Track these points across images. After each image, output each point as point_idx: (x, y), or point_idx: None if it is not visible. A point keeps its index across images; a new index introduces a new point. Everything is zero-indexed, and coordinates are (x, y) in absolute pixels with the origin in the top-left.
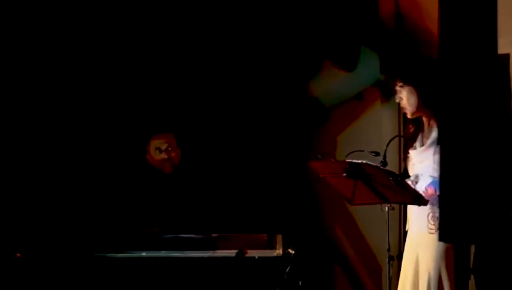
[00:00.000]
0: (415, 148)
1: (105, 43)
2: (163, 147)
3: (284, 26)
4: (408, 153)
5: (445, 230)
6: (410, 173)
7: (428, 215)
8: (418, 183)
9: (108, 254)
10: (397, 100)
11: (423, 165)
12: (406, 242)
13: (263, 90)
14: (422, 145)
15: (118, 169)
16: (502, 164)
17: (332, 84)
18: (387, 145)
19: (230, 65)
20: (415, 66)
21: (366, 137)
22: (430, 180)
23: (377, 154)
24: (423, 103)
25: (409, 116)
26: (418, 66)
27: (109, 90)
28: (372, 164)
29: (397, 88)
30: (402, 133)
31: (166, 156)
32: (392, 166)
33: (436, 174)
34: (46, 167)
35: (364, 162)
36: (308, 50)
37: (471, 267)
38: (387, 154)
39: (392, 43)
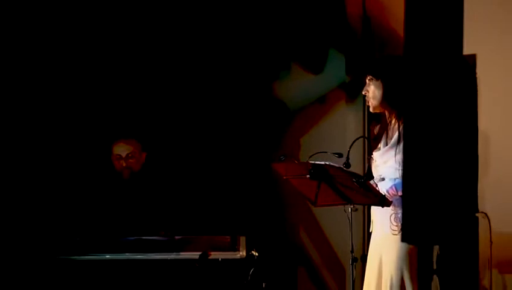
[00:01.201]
0: (379, 150)
1: (70, 48)
2: (124, 154)
3: (249, 28)
4: (372, 153)
5: (408, 231)
6: (374, 174)
7: (391, 217)
8: (380, 185)
9: (72, 257)
10: (363, 92)
11: (387, 166)
12: (370, 244)
13: (227, 92)
14: (386, 145)
15: (81, 172)
16: (466, 165)
17: (298, 86)
18: (351, 147)
19: (194, 67)
20: (384, 62)
21: (330, 138)
22: (391, 182)
23: (340, 155)
24: (388, 101)
25: (371, 110)
26: (387, 62)
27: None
28: (336, 165)
29: (367, 80)
30: (366, 135)
31: (124, 164)
32: (356, 167)
33: (397, 175)
34: (11, 170)
35: (327, 163)
36: (274, 52)
37: (434, 268)
38: (351, 155)
39: (358, 45)
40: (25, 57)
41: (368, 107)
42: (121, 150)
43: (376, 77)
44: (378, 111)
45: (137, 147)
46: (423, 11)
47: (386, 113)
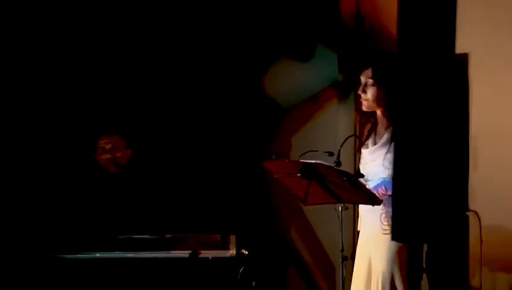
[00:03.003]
0: (367, 147)
1: (57, 43)
2: (108, 147)
3: (240, 23)
4: (360, 151)
5: (398, 229)
6: (362, 171)
7: (381, 216)
8: (369, 184)
9: (63, 255)
10: (360, 91)
11: (374, 164)
12: (358, 242)
13: (217, 89)
14: (375, 144)
15: (70, 170)
16: (457, 163)
17: (290, 83)
18: (342, 145)
19: (184, 63)
20: (387, 64)
21: (322, 137)
22: (379, 182)
23: (331, 154)
24: (385, 102)
25: (364, 108)
26: (389, 64)
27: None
28: (326, 164)
29: (364, 80)
30: (357, 133)
31: (110, 156)
32: (347, 166)
33: (386, 174)
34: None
35: (318, 162)
36: (265, 48)
37: (424, 266)
38: (341, 154)
39: (351, 43)
40: (9, 54)
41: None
42: (105, 142)
43: (379, 82)
44: (370, 110)
45: (121, 142)
46: (416, 9)
47: (378, 112)
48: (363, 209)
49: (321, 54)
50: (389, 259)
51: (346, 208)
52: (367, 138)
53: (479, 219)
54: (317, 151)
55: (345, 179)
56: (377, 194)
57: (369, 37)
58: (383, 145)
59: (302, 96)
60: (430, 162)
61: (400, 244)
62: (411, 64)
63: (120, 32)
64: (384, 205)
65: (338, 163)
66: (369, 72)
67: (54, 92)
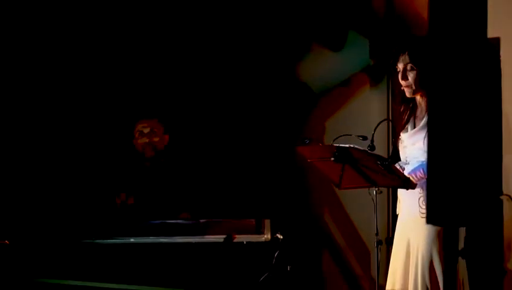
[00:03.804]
0: (407, 131)
1: (93, 32)
2: (146, 131)
3: (271, 10)
4: (399, 135)
5: (433, 213)
6: (401, 155)
7: (419, 199)
8: (407, 167)
9: (96, 240)
10: (401, 78)
11: (415, 148)
12: (397, 226)
13: (251, 75)
14: (415, 127)
15: (105, 154)
16: (490, 147)
17: (322, 69)
18: (375, 130)
19: (218, 51)
20: (423, 48)
21: (355, 122)
22: (418, 164)
23: (364, 138)
24: (424, 85)
25: (408, 95)
26: (424, 46)
27: (99, 78)
28: (360, 148)
29: (402, 66)
30: (390, 118)
31: (147, 140)
32: (380, 150)
33: (425, 157)
34: (32, 154)
35: (352, 146)
36: (296, 34)
37: (460, 250)
38: (375, 138)
39: (382, 28)
40: (45, 39)
41: (393, 90)
42: (143, 126)
43: (417, 65)
44: (413, 96)
45: (160, 127)
46: None
47: (418, 97)
48: (402, 192)
49: (353, 40)
50: (427, 242)
51: (381, 192)
52: (407, 122)
53: None
54: (350, 135)
55: (379, 162)
56: (415, 178)
57: (401, 22)
58: (423, 128)
59: (334, 81)
60: (463, 145)
61: (438, 227)
62: (443, 48)
63: (156, 20)
64: (422, 188)
65: (372, 147)
66: (406, 57)
67: (93, 75)
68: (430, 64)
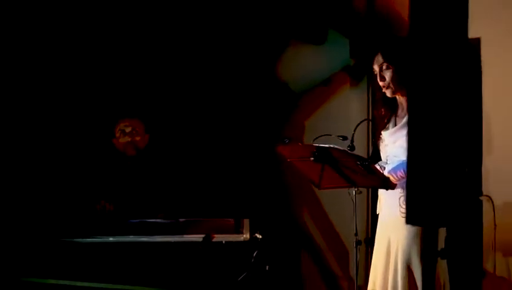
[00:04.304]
0: (388, 129)
1: (74, 31)
2: (128, 130)
3: (251, 9)
4: (380, 134)
5: (412, 213)
6: (382, 154)
7: (399, 199)
8: (387, 167)
9: (75, 239)
10: (379, 79)
11: (396, 146)
12: (378, 226)
13: (230, 74)
14: (395, 125)
15: (84, 152)
16: (470, 147)
17: (302, 68)
18: (355, 130)
19: (198, 50)
20: (397, 46)
21: (335, 121)
22: (398, 163)
23: (344, 138)
24: (403, 84)
25: (389, 95)
26: (399, 46)
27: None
28: (340, 148)
29: (379, 67)
30: (370, 118)
31: (129, 139)
32: (360, 150)
33: (406, 156)
34: (10, 152)
35: (331, 146)
36: (276, 32)
37: (440, 250)
38: (355, 138)
39: (363, 27)
40: (26, 40)
41: (373, 89)
42: (125, 125)
43: (392, 63)
44: (394, 96)
45: (141, 126)
46: None
47: (399, 96)
48: (382, 192)
49: (333, 39)
50: (407, 242)
51: (360, 192)
52: (388, 121)
53: (492, 203)
54: (330, 135)
55: (359, 163)
56: (395, 177)
57: (381, 22)
58: (404, 125)
59: (314, 80)
60: (443, 145)
61: (419, 228)
62: (423, 48)
63: (138, 21)
64: (402, 188)
65: (352, 147)
66: (379, 57)
67: (72, 76)
68: (406, 61)
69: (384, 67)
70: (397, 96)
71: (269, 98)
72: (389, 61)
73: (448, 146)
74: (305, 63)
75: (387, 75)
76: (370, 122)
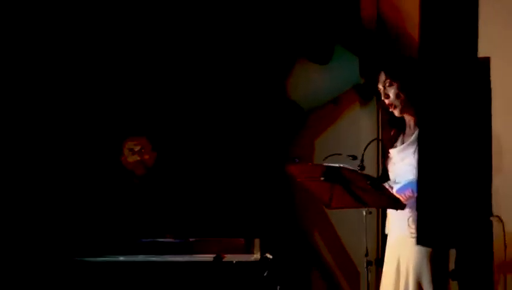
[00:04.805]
0: (396, 147)
1: (82, 45)
2: (136, 149)
3: (261, 27)
4: (388, 152)
5: (423, 234)
6: (390, 174)
7: (408, 219)
8: (395, 187)
9: (86, 258)
10: (383, 97)
11: (404, 164)
12: (387, 246)
13: (240, 93)
14: (403, 143)
15: (93, 172)
16: (480, 168)
17: (312, 87)
18: (365, 149)
19: (207, 68)
20: (399, 64)
21: (344, 141)
22: (407, 184)
23: (354, 158)
24: (410, 102)
25: (397, 114)
26: (402, 64)
27: (86, 92)
28: (350, 167)
29: (383, 85)
30: (380, 137)
31: (139, 158)
32: (370, 170)
33: (414, 173)
34: (21, 170)
35: (342, 165)
36: (287, 52)
37: (450, 271)
38: (365, 158)
39: (372, 47)
40: (33, 55)
41: (383, 109)
42: (134, 143)
43: (394, 79)
44: (402, 115)
45: (148, 145)
46: (438, 13)
47: (406, 116)
48: (391, 212)
49: (342, 57)
50: (417, 262)
51: (370, 212)
52: (396, 140)
53: (502, 224)
54: (340, 154)
55: (369, 182)
56: (404, 197)
57: (391, 41)
58: (412, 143)
59: (323, 99)
60: (453, 166)
61: (428, 248)
62: (433, 67)
63: (145, 36)
64: (411, 208)
65: (362, 167)
66: (382, 75)
67: (79, 93)
68: (411, 78)
69: (387, 84)
70: (405, 116)
71: (279, 116)
72: (392, 77)
73: (458, 167)
74: (314, 82)
75: (391, 92)
76: (380, 142)
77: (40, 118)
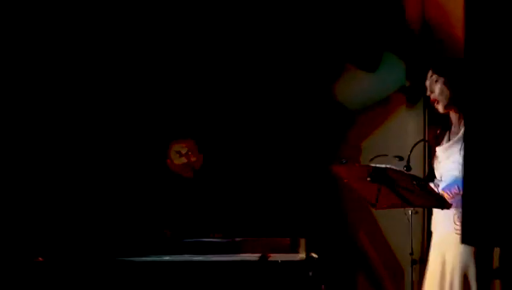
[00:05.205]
0: (442, 145)
1: (127, 48)
2: (184, 151)
3: (309, 31)
4: (435, 151)
5: (468, 232)
6: (436, 172)
7: (454, 216)
8: (441, 184)
9: (130, 258)
10: (428, 93)
11: (450, 162)
12: (432, 244)
13: (287, 94)
14: (449, 140)
15: (139, 173)
16: None
17: (358, 89)
18: (412, 150)
19: (254, 70)
20: (445, 61)
21: (391, 142)
22: (452, 180)
23: (401, 159)
24: (455, 99)
25: (440, 110)
26: (448, 62)
27: (131, 95)
28: (396, 168)
29: (429, 81)
30: (427, 138)
31: (186, 160)
32: (417, 171)
33: (459, 170)
34: (69, 172)
35: (388, 166)
36: (333, 55)
37: (494, 269)
38: (411, 159)
39: (418, 49)
40: (79, 55)
41: (429, 110)
42: (181, 146)
43: (440, 74)
44: (447, 111)
45: (195, 147)
46: (483, 14)
47: (452, 113)
48: (437, 210)
49: (388, 61)
50: (462, 260)
51: (416, 212)
52: (442, 138)
53: None
54: (387, 155)
55: (415, 183)
56: (450, 194)
57: (436, 42)
58: (457, 141)
59: (370, 101)
60: (499, 164)
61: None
62: (479, 68)
63: (196, 38)
64: (457, 205)
65: (408, 167)
66: (430, 72)
67: (126, 97)
68: (457, 76)
69: (434, 78)
70: (450, 113)
71: (327, 118)
72: (438, 72)
73: (504, 165)
74: (361, 83)
75: (437, 87)
76: (426, 143)
77: (90, 121)
